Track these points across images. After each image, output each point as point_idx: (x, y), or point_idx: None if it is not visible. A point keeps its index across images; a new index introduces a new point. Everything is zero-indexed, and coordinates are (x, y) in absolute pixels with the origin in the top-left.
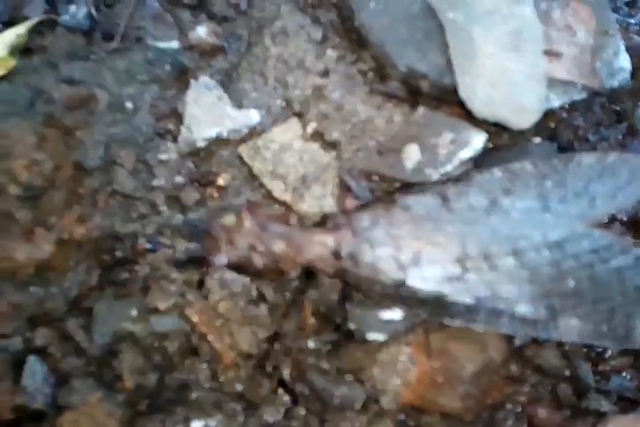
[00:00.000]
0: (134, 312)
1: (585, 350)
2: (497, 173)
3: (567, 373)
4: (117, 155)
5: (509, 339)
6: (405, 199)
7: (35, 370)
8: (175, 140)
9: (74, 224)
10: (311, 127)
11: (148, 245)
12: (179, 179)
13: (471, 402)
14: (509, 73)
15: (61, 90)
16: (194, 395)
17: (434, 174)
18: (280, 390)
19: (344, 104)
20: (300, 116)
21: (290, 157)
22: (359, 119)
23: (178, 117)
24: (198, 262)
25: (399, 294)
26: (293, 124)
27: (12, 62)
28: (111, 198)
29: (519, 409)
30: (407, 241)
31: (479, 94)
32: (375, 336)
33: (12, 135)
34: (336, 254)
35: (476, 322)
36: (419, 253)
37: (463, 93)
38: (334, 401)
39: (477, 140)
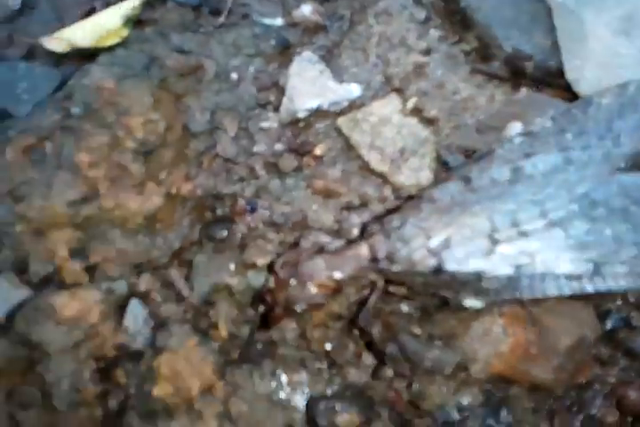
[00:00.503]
0: (232, 266)
1: None
2: (517, 139)
3: None
4: (221, 121)
5: (601, 321)
6: (430, 192)
7: (136, 313)
8: (276, 110)
9: (181, 181)
10: (411, 103)
11: (246, 207)
12: (278, 146)
13: (564, 376)
14: (619, 57)
15: (173, 58)
16: (281, 351)
17: None
18: (365, 354)
19: (445, 82)
20: (399, 92)
21: (389, 130)
22: (459, 97)
23: (279, 89)
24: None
25: (441, 281)
26: (393, 100)
27: (126, 32)
28: (214, 161)
29: (608, 390)
30: (437, 230)
31: (587, 77)
32: (472, 303)
33: (130, 95)
34: (373, 260)
35: (521, 291)
36: (449, 238)
37: (570, 76)
38: (425, 364)
39: None
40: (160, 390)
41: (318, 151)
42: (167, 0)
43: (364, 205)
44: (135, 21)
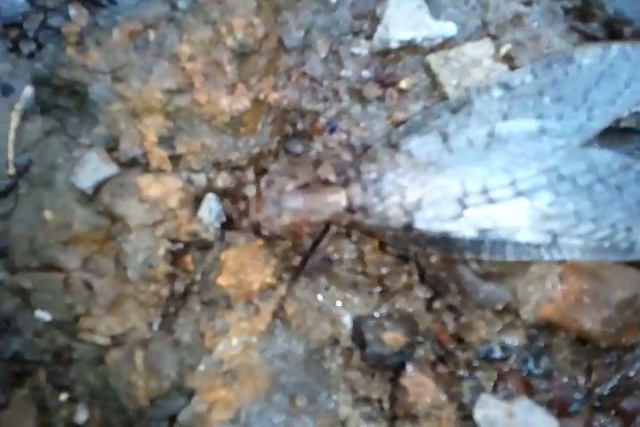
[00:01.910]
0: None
1: None
2: (496, 91)
3: None
4: (314, 41)
5: None
6: (408, 143)
7: (211, 206)
8: (368, 38)
9: (269, 90)
10: (504, 49)
11: (326, 126)
12: (365, 74)
13: (611, 330)
14: None
15: None
16: (337, 270)
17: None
18: (417, 285)
19: (540, 35)
20: (493, 38)
21: (478, 72)
22: (552, 51)
23: (374, 19)
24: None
25: (410, 237)
26: (486, 44)
27: None
28: (302, 78)
29: None
30: (412, 189)
31: None
32: None
33: None
34: (349, 209)
35: (482, 253)
36: (422, 199)
37: None
38: (478, 296)
39: None
40: (223, 280)
41: (403, 84)
42: None
43: None
44: None
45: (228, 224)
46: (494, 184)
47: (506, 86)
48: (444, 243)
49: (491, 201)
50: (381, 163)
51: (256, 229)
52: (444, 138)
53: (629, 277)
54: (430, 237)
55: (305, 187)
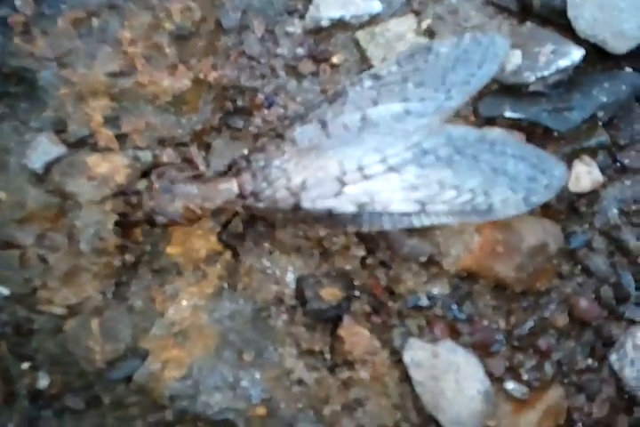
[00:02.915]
0: (245, 151)
1: (633, 266)
2: (366, 81)
3: (612, 280)
4: (251, 22)
5: (567, 239)
6: (292, 132)
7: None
8: (301, 17)
9: (208, 69)
10: (425, 24)
11: (264, 101)
12: (299, 51)
13: (524, 275)
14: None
15: None
16: (280, 235)
17: (531, 77)
18: (355, 245)
19: (459, 9)
20: (416, 13)
21: (402, 46)
22: (470, 24)
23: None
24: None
25: (298, 217)
26: (410, 19)
27: None
28: (240, 57)
29: (562, 298)
30: (296, 172)
31: (585, 15)
32: None
33: None
34: (241, 196)
35: (363, 225)
36: (306, 180)
37: (571, 13)
38: (403, 250)
39: (576, 54)
40: (172, 249)
41: (335, 60)
42: None
43: None
44: None
45: (123, 220)
46: (368, 162)
47: (375, 76)
48: (329, 219)
49: (366, 177)
50: (268, 152)
51: (150, 218)
52: (323, 125)
53: (539, 225)
54: (316, 215)
55: (197, 177)
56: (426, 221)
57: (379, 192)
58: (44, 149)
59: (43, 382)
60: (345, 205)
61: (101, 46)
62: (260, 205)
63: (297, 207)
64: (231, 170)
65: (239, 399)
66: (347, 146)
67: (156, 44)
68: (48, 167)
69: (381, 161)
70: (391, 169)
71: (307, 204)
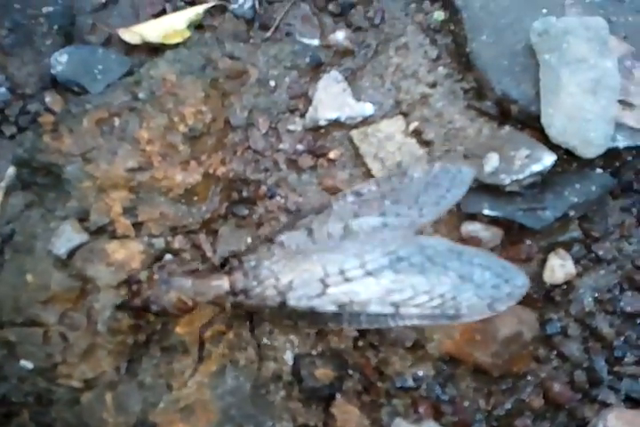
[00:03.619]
0: (249, 239)
1: (606, 351)
2: (349, 197)
3: (585, 364)
4: (256, 120)
5: (542, 325)
6: (280, 237)
7: None
8: (302, 116)
9: (217, 164)
10: (413, 126)
11: (267, 193)
12: (299, 147)
13: (500, 361)
14: (584, 111)
15: (224, 62)
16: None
17: (506, 179)
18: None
19: (443, 112)
20: (405, 115)
21: (391, 145)
22: (454, 126)
23: (307, 99)
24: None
25: (284, 313)
26: (398, 121)
27: (188, 34)
28: (246, 152)
29: (538, 382)
30: (284, 273)
31: (556, 124)
32: None
33: (187, 88)
34: (232, 293)
35: (342, 323)
36: (293, 281)
37: (544, 120)
38: (391, 335)
39: (548, 159)
40: (180, 329)
41: (332, 155)
42: (226, 11)
43: None
44: (197, 26)
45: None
46: (348, 266)
47: (357, 193)
48: (312, 316)
49: (347, 280)
50: (259, 253)
51: (145, 305)
52: (309, 232)
53: (513, 317)
54: (300, 312)
55: (193, 272)
56: (400, 323)
57: (358, 294)
58: (68, 237)
59: None
60: (327, 305)
61: (121, 144)
62: (250, 301)
63: (283, 305)
64: (224, 268)
65: None
66: (330, 252)
67: (171, 143)
68: (71, 253)
69: (361, 266)
70: (369, 273)
71: (292, 302)
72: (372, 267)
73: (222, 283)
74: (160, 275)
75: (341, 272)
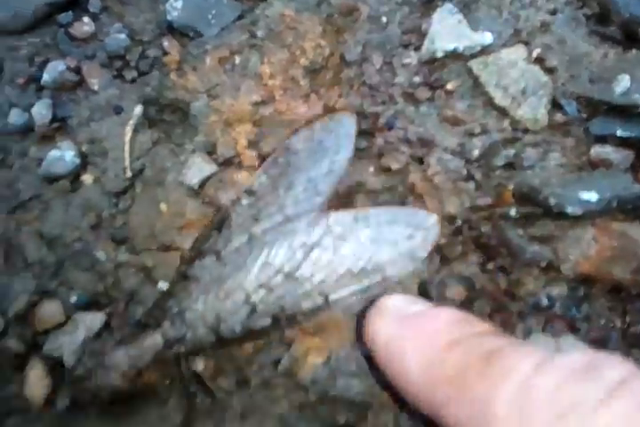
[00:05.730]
0: (371, 169)
1: None
2: (244, 200)
3: None
4: (370, 55)
5: None
6: (192, 271)
7: None
8: (416, 50)
9: (336, 98)
10: (535, 53)
11: (385, 125)
12: (415, 79)
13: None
14: None
15: None
16: None
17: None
18: (472, 252)
19: (566, 39)
20: (526, 43)
21: (514, 72)
22: (577, 52)
23: (420, 34)
24: None
25: (226, 344)
26: (520, 49)
27: None
28: (362, 86)
29: None
30: (207, 309)
31: None
32: (573, 210)
33: (306, 23)
34: (167, 345)
35: (283, 328)
36: (219, 313)
37: None
38: (525, 256)
39: None
40: None
41: (449, 86)
42: None
43: (484, 132)
44: None
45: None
46: (265, 277)
47: (250, 192)
48: (252, 335)
49: (269, 290)
50: (178, 297)
51: (96, 395)
52: (217, 255)
53: None
54: (240, 337)
55: (122, 340)
56: (336, 309)
57: (284, 299)
58: (199, 168)
59: (199, 365)
60: (261, 321)
61: (244, 80)
62: (187, 347)
63: (221, 339)
64: (150, 325)
65: None
66: (242, 269)
67: (293, 77)
68: (202, 183)
69: (278, 271)
70: (288, 275)
71: (227, 333)
72: (288, 267)
73: (155, 338)
74: (91, 361)
75: (261, 285)
